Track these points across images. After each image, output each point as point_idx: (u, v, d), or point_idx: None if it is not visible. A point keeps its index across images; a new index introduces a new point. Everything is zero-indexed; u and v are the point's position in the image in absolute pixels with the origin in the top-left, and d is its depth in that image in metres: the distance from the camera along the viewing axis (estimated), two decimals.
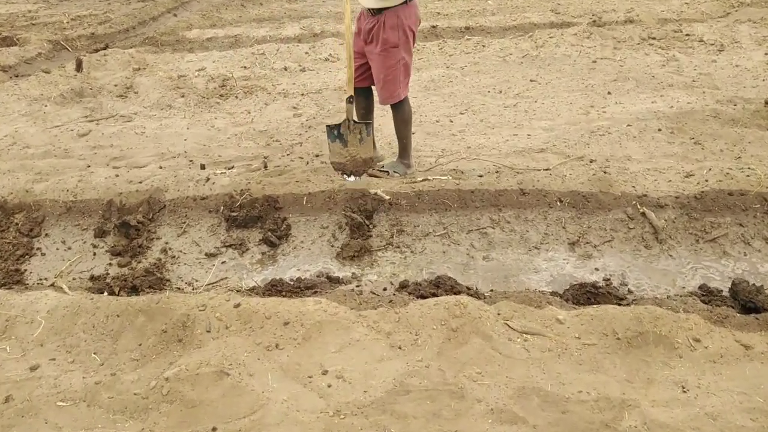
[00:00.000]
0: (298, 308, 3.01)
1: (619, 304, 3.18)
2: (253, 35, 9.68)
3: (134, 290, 3.50)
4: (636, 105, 6.00)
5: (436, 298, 3.04)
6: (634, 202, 4.03)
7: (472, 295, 3.14)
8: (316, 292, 3.40)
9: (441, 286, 3.41)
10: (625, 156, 4.88)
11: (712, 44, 7.76)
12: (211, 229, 4.11)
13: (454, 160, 4.84)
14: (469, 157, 4.91)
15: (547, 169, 4.57)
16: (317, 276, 3.71)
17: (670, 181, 4.33)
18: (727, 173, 4.34)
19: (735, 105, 5.84)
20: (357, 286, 3.55)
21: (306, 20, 10.66)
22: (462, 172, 4.60)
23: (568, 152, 4.96)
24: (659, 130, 5.34)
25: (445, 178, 4.32)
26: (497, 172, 4.58)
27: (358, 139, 4.13)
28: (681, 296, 3.34)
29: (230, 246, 4.01)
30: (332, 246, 4.00)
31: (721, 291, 3.39)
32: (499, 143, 5.26)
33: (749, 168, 4.44)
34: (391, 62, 4.12)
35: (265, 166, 4.76)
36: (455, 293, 3.34)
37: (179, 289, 3.62)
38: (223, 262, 3.90)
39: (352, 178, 4.24)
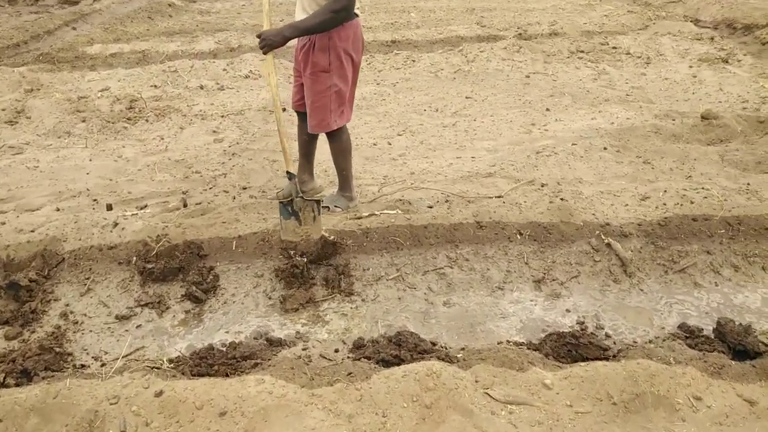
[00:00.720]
0: (236, 392, 2.46)
1: (604, 356, 2.84)
2: (163, 50, 8.91)
3: (25, 375, 2.80)
4: (576, 122, 5.82)
5: (403, 368, 2.57)
6: (597, 232, 3.74)
7: (442, 358, 2.69)
8: (255, 363, 2.84)
9: (403, 345, 2.94)
10: (575, 178, 4.63)
11: (639, 57, 7.80)
12: (122, 286, 3.45)
13: (399, 189, 4.41)
14: (414, 185, 4.49)
15: (499, 196, 4.23)
16: (255, 338, 3.15)
17: (627, 205, 4.10)
18: (684, 195, 4.16)
19: (673, 120, 5.77)
20: (304, 350, 3.02)
21: (221, 33, 9.99)
22: (410, 203, 4.17)
23: (517, 176, 4.66)
24: (605, 148, 5.15)
25: (394, 212, 3.87)
26: (447, 201, 4.19)
27: (312, 217, 3.55)
28: (663, 339, 3.05)
29: (146, 305, 3.37)
30: (269, 298, 3.45)
31: (702, 330, 3.12)
32: (444, 167, 4.89)
33: (704, 188, 4.28)
34: (319, 88, 3.60)
35: (185, 204, 4.13)
36: (420, 352, 2.89)
37: (84, 368, 2.95)
38: (139, 327, 3.25)
39: (304, 258, 3.59)
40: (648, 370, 2.56)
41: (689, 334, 3.10)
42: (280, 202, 3.55)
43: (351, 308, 3.37)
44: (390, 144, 5.44)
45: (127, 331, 3.23)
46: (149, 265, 3.46)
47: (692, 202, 4.01)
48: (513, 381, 2.55)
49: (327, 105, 3.66)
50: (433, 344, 3.06)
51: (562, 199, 4.10)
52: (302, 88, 3.75)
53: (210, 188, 4.49)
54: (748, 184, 4.42)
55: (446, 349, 2.96)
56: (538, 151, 5.14)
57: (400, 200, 4.25)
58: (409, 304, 3.39)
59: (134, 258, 3.53)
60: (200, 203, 4.21)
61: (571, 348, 2.91)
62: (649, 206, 4.07)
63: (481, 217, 3.80)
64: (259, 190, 4.46)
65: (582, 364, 2.64)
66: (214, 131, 5.75)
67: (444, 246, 3.68)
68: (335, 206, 4.07)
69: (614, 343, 3.07)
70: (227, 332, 3.21)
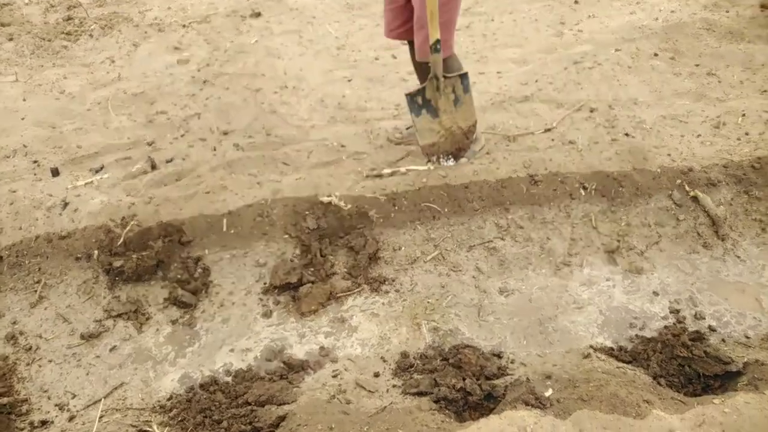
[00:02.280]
0: None
1: (726, 372, 2.21)
2: None
3: None
4: (613, 18, 4.85)
5: (485, 423, 1.90)
6: (679, 181, 3.00)
7: (528, 403, 2.02)
8: (280, 402, 2.15)
9: (464, 367, 2.28)
10: (629, 98, 3.79)
11: None
12: (84, 290, 2.66)
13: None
14: None
15: (548, 130, 3.41)
16: (268, 359, 2.44)
17: (699, 136, 3.34)
18: (767, 121, 3.40)
19: (726, 11, 4.83)
20: (334, 376, 2.33)
21: None
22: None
23: (559, 98, 3.80)
24: (655, 54, 4.27)
25: (425, 167, 3.04)
26: (484, 143, 3.36)
27: (453, 100, 2.74)
28: None
29: (120, 316, 2.61)
30: (277, 295, 2.71)
31: None
32: None
33: None
34: (448, 4, 2.68)
35: (153, 166, 3.23)
36: (488, 378, 2.24)
37: (46, 425, 2.23)
38: (113, 349, 2.52)
39: (451, 161, 2.86)
40: None
41: None
42: (407, 95, 2.75)
43: (383, 305, 2.66)
44: (395, 58, 4.46)
45: (98, 357, 2.49)
46: (117, 263, 2.65)
47: None
48: None
49: (453, 19, 2.76)
50: (498, 356, 2.40)
51: (627, 134, 3.31)
52: (404, 9, 2.81)
53: (182, 135, 3.56)
54: None
55: (524, 369, 2.29)
56: (576, 60, 4.23)
57: None
58: (456, 294, 2.69)
59: (96, 251, 2.71)
60: (172, 160, 3.31)
61: (684, 362, 2.27)
62: (729, 137, 3.31)
63: (534, 168, 3.01)
64: (244, 135, 3.55)
65: (716, 401, 2.01)
66: (176, 48, 4.66)
67: (491, 210, 2.92)
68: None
69: (724, 341, 2.44)
70: (232, 350, 2.50)
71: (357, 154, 3.33)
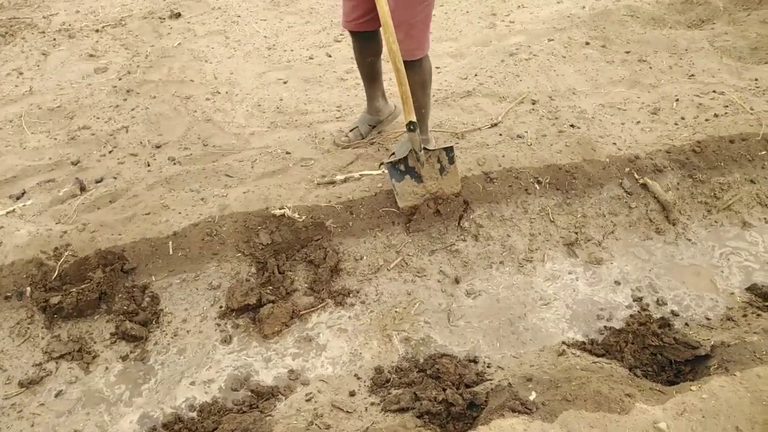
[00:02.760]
0: None
1: (696, 357, 2.26)
2: None
3: None
4: (542, 8, 4.92)
5: None
6: (627, 170, 3.05)
7: (515, 409, 1.97)
8: None
9: (443, 377, 2.21)
10: (568, 88, 3.84)
11: None
12: (18, 332, 2.40)
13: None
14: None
15: (494, 125, 3.40)
16: (234, 389, 2.28)
17: (639, 122, 3.42)
18: (700, 104, 3.54)
19: None
20: (308, 399, 2.21)
21: None
22: (386, 149, 3.25)
23: (501, 91, 3.80)
24: (587, 43, 4.36)
25: (378, 171, 2.95)
26: (435, 142, 3.30)
27: (438, 169, 2.70)
28: (743, 313, 2.51)
29: (63, 357, 2.37)
30: (236, 319, 2.54)
31: None
32: None
33: (715, 92, 3.67)
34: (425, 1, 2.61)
35: (82, 188, 2.96)
36: (468, 385, 2.18)
37: None
38: (60, 394, 2.28)
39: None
40: None
41: (763, 297, 2.59)
42: (386, 164, 2.67)
43: (350, 319, 2.55)
44: (330, 56, 4.33)
45: (42, 405, 2.24)
46: (54, 298, 2.40)
47: (716, 116, 3.39)
48: (617, 430, 1.91)
49: (428, 18, 2.69)
50: (474, 361, 2.35)
51: (572, 125, 3.34)
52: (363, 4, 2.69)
53: (110, 152, 3.29)
54: (756, 80, 3.84)
55: (503, 373, 2.24)
56: (511, 52, 4.25)
57: (372, 143, 3.32)
58: (423, 300, 2.62)
59: (28, 288, 2.45)
60: (102, 180, 3.05)
61: (655, 351, 2.30)
62: (666, 122, 3.41)
63: (488, 166, 2.97)
64: (179, 147, 3.32)
65: (693, 387, 2.04)
66: (92, 55, 4.32)
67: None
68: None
69: (688, 325, 2.50)
70: (193, 383, 2.31)
71: (304, 160, 3.19)
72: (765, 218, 3.02)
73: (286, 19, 4.85)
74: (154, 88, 3.87)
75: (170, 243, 2.61)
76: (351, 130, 3.32)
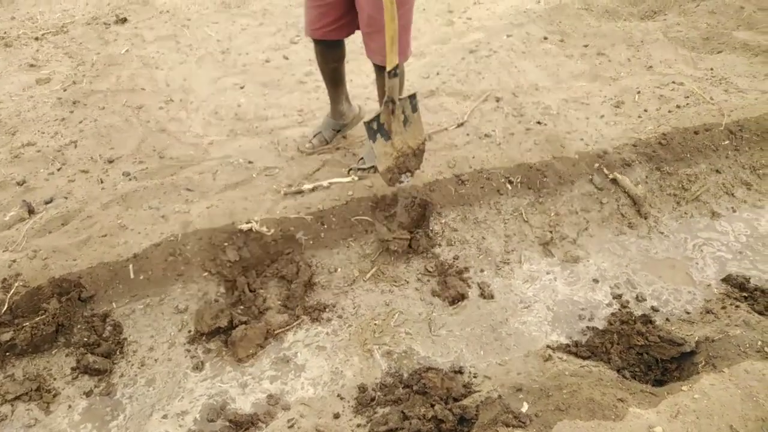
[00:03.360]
0: None
1: (681, 353, 2.24)
2: None
3: None
4: (498, 4, 4.88)
5: None
6: (597, 165, 3.04)
7: (507, 423, 1.91)
8: None
9: (430, 392, 2.13)
10: (530, 85, 3.81)
11: None
12: None
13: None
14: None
15: (460, 124, 3.34)
16: (210, 419, 2.14)
17: (603, 117, 3.42)
18: (661, 96, 3.56)
19: None
20: (290, 426, 2.09)
21: None
22: (353, 153, 3.15)
23: (464, 90, 3.75)
24: (545, 38, 4.35)
25: (348, 179, 2.84)
26: None
27: (402, 121, 2.56)
28: (722, 305, 2.51)
29: (19, 398, 2.18)
30: (207, 343, 2.40)
31: (749, 279, 2.64)
32: (370, 86, 3.82)
33: (675, 83, 3.71)
34: (406, 5, 2.51)
35: (31, 211, 2.75)
36: (456, 399, 2.11)
37: None
38: None
39: (406, 179, 2.66)
40: (764, 379, 2.00)
41: (739, 288, 2.61)
42: (365, 123, 2.51)
43: (327, 335, 2.44)
44: (287, 59, 4.19)
45: None
46: (5, 335, 2.22)
47: (679, 107, 3.41)
48: None
49: (408, 23, 2.58)
50: (460, 371, 2.28)
51: (538, 122, 3.31)
52: (334, 8, 2.56)
53: (58, 170, 3.08)
54: (711, 69, 3.91)
55: (490, 383, 2.18)
56: (471, 49, 4.20)
57: (338, 148, 3.21)
58: (402, 310, 2.53)
59: None
60: (52, 201, 2.84)
61: (641, 350, 2.28)
62: (630, 115, 3.42)
63: (459, 168, 2.91)
64: (134, 161, 3.14)
65: (685, 388, 2.02)
66: (32, 65, 4.07)
67: (422, 217, 2.79)
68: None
69: (668, 320, 2.50)
70: (165, 416, 2.17)
71: (268, 169, 3.06)
72: (732, 207, 3.06)
73: (238, 21, 4.68)
74: (103, 98, 3.66)
75: (131, 266, 2.45)
76: (315, 136, 3.20)
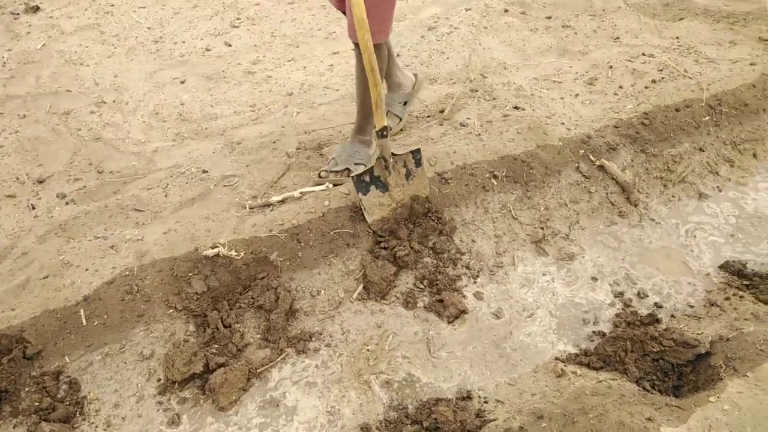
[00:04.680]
0: None
1: (696, 355, 2.12)
2: None
3: None
4: None
5: None
6: (582, 152, 2.86)
7: None
8: None
9: (441, 427, 1.92)
10: (498, 63, 3.60)
11: None
12: None
13: (287, 129, 3.01)
14: (307, 119, 3.12)
15: (441, 111, 3.10)
16: None
17: (578, 95, 3.26)
18: (634, 70, 3.42)
19: None
20: None
21: None
22: (321, 154, 2.86)
23: (429, 72, 3.50)
24: (505, 10, 4.13)
25: (322, 187, 2.55)
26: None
27: (404, 174, 2.40)
28: (726, 296, 2.41)
29: None
30: (180, 391, 2.11)
31: (746, 264, 2.55)
32: (326, 74, 3.51)
33: (644, 54, 3.58)
34: None
35: None
36: (470, 431, 1.91)
37: None
38: None
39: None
40: None
41: (737, 275, 2.51)
42: (353, 178, 2.34)
43: (317, 368, 2.19)
44: (230, 45, 3.80)
45: None
46: None
47: (654, 81, 3.28)
48: None
49: (392, 2, 2.41)
50: (468, 397, 2.09)
51: (516, 107, 3.10)
52: None
53: None
54: (677, 38, 3.80)
55: (503, 408, 1.98)
56: (430, 26, 3.94)
57: (299, 148, 2.90)
58: (396, 330, 2.30)
59: None
60: None
61: (657, 357, 2.14)
62: (605, 92, 3.27)
63: (440, 165, 2.67)
64: (69, 179, 2.74)
65: (712, 399, 1.89)
66: None
67: (407, 223, 2.54)
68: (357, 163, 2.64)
69: (674, 316, 2.37)
70: None
71: (226, 178, 2.74)
72: (718, 186, 2.96)
73: (169, 4, 4.22)
74: (22, 104, 3.19)
75: (81, 311, 2.10)
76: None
